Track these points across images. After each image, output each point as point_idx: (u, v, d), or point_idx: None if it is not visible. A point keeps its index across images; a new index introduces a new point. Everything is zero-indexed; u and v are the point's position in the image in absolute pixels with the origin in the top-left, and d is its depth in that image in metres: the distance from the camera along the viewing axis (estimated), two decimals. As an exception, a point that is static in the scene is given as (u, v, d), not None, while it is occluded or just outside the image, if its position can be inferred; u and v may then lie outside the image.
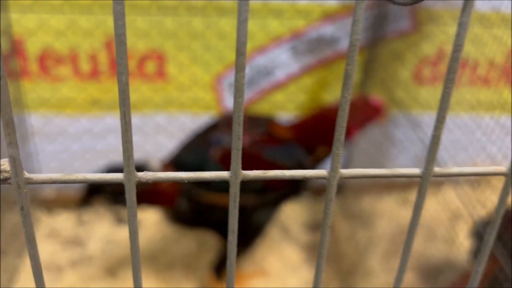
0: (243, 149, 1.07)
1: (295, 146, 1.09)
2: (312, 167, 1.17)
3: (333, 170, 0.27)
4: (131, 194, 0.26)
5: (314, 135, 1.12)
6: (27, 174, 0.25)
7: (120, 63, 0.22)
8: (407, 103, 1.41)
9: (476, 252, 1.09)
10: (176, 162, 1.16)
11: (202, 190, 1.11)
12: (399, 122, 1.40)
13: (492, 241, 0.31)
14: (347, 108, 0.24)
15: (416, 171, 0.28)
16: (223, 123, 1.17)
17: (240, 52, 0.23)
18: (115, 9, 0.21)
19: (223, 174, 0.26)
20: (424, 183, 0.28)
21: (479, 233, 1.07)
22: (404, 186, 1.69)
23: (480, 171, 0.29)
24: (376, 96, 1.20)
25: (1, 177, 0.25)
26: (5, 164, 0.25)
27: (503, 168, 0.29)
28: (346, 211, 1.74)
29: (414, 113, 1.41)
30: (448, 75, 0.25)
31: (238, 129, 0.24)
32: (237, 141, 0.25)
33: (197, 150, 1.13)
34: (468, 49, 1.25)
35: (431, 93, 1.47)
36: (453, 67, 0.24)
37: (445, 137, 1.31)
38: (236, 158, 0.25)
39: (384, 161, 1.50)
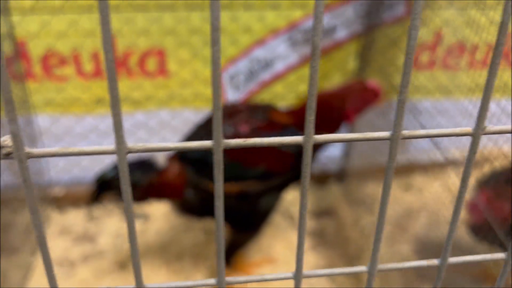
0: (244, 137, 1.08)
1: (295, 131, 1.11)
2: (313, 151, 1.19)
3: (307, 135, 0.29)
4: (122, 164, 0.28)
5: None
6: (27, 149, 0.27)
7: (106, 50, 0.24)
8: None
9: None
10: (181, 155, 1.18)
11: (207, 180, 1.14)
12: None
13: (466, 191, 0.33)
14: (316, 77, 0.27)
15: (385, 134, 0.30)
16: (223, 114, 1.19)
17: (214, 27, 0.25)
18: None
19: (206, 143, 0.28)
20: (393, 145, 0.30)
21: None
22: (407, 171, 1.71)
23: (447, 132, 0.31)
24: (373, 80, 1.21)
25: (4, 152, 0.27)
26: (7, 140, 0.27)
27: (469, 128, 0.31)
28: (350, 197, 1.76)
29: (413, 99, 1.42)
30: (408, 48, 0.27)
31: (217, 101, 0.27)
32: (217, 111, 0.27)
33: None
34: (466, 33, 1.26)
35: (429, 79, 1.48)
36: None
37: (447, 123, 1.32)
38: (217, 127, 0.27)
39: (384, 147, 1.52)
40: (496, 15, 1.17)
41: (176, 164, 1.18)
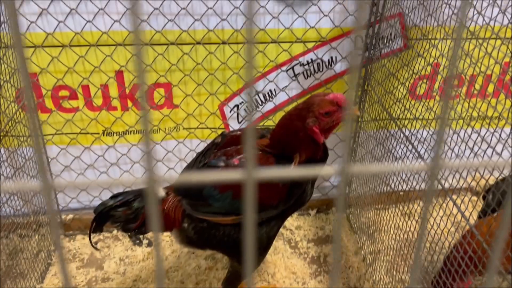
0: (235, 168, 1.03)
1: (286, 165, 1.07)
2: (311, 184, 1.15)
3: (248, 172, 0.26)
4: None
5: (284, 145, 1.07)
6: (53, 182, 0.25)
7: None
8: (404, 120, 1.39)
9: (483, 212, 1.22)
10: (176, 187, 1.14)
11: (200, 213, 1.10)
12: (398, 138, 1.37)
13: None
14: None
15: (332, 170, 0.27)
16: (219, 145, 1.15)
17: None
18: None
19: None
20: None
21: (485, 196, 1.25)
22: (407, 199, 1.65)
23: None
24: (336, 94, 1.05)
25: None
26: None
27: (425, 165, 0.28)
28: (353, 225, 1.70)
29: (412, 129, 1.38)
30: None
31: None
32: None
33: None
34: (463, 65, 1.22)
35: (428, 109, 1.44)
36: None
37: (449, 153, 1.27)
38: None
39: (385, 176, 1.47)
40: (490, 47, 1.13)
41: (173, 195, 1.15)
